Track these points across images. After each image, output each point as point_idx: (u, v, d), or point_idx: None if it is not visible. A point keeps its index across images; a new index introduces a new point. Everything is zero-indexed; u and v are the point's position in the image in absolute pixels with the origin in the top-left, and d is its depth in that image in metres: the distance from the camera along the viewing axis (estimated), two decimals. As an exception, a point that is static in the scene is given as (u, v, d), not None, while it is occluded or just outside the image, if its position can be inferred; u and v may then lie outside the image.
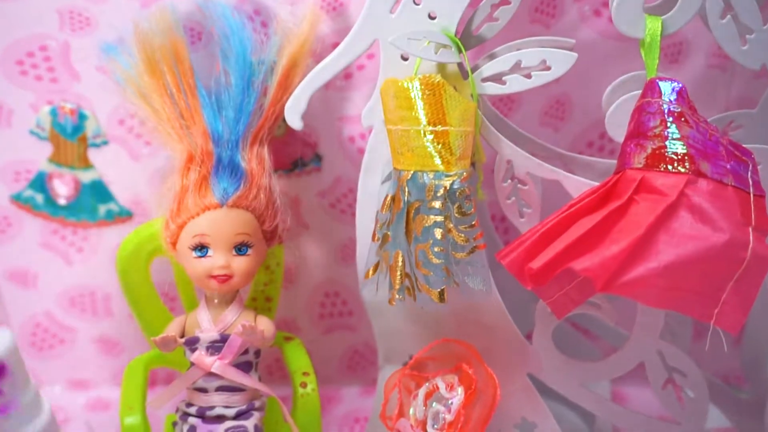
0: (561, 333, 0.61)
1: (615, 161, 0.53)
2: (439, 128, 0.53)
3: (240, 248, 0.59)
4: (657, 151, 0.50)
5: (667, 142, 0.49)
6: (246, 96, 0.61)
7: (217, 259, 0.58)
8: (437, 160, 0.53)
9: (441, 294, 0.55)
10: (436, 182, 0.53)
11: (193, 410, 0.59)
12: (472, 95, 0.56)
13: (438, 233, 0.54)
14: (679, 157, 0.49)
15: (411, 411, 0.58)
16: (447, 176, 0.53)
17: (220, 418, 0.59)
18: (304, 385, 0.62)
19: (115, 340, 0.79)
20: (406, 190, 0.54)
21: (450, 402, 0.56)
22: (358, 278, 0.65)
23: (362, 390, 0.82)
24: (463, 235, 0.54)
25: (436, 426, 0.57)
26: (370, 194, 0.61)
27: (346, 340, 0.80)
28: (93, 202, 0.72)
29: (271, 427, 0.63)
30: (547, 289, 0.54)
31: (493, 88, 0.56)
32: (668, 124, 0.50)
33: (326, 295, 0.77)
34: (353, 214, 0.69)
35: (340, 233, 0.74)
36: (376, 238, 0.57)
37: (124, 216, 0.73)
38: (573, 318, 0.71)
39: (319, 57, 0.61)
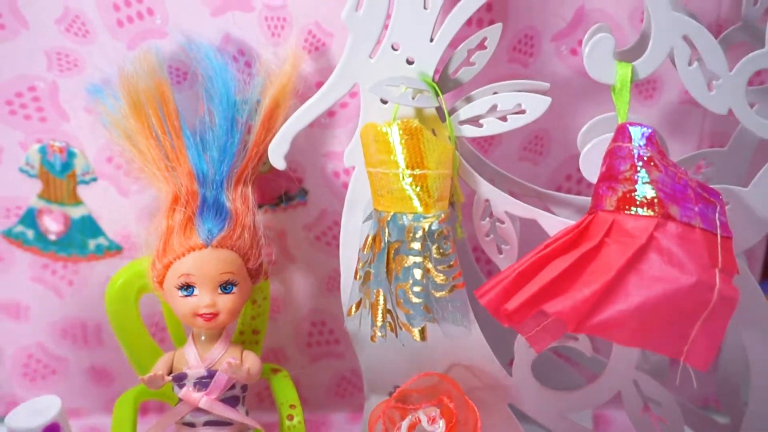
0: (542, 359, 0.63)
1: (590, 198, 0.54)
2: (417, 172, 0.55)
3: (225, 287, 0.60)
4: (627, 195, 0.51)
5: (636, 186, 0.51)
6: (230, 136, 0.63)
7: (203, 298, 0.59)
8: (416, 203, 0.55)
9: (421, 332, 0.56)
10: (415, 224, 0.55)
11: (181, 445, 0.61)
12: (449, 137, 0.57)
13: (417, 273, 0.55)
14: (648, 200, 0.51)
15: (395, 443, 0.60)
16: (425, 218, 0.55)
17: (210, 456, 0.60)
18: (290, 417, 0.64)
19: (107, 370, 0.80)
20: (387, 230, 0.56)
21: (432, 435, 0.58)
22: (342, 310, 0.66)
23: (350, 416, 0.83)
24: (442, 275, 0.56)
25: (418, 459, 0.58)
26: (353, 231, 0.62)
27: (334, 367, 0.81)
28: (83, 237, 0.73)
29: (259, 459, 0.64)
30: (525, 324, 0.56)
31: (470, 131, 0.57)
32: (638, 169, 0.51)
33: (313, 324, 0.79)
34: (338, 246, 0.70)
35: (326, 264, 0.75)
36: (358, 276, 0.59)
37: (113, 250, 0.74)
38: (553, 347, 0.73)
39: (302, 96, 0.62)
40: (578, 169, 0.71)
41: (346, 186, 0.68)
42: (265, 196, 0.72)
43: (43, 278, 0.76)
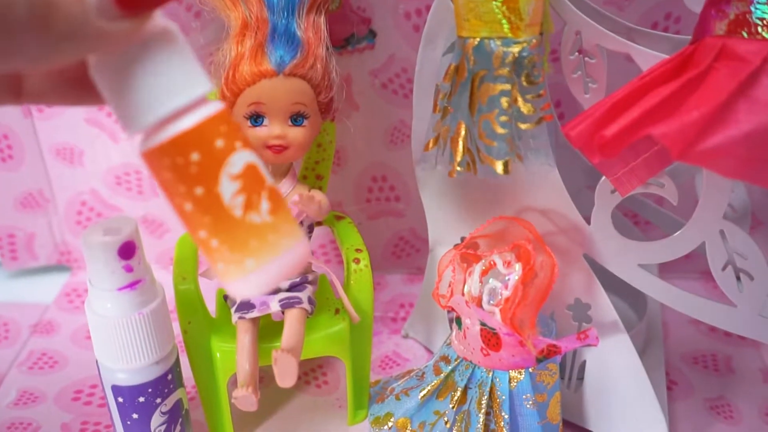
0: (613, 221, 0.60)
1: (687, 37, 0.50)
2: (508, -8, 0.51)
3: (296, 118, 0.57)
4: (740, 17, 0.47)
5: (752, 7, 0.47)
6: (302, -38, 0.59)
7: (273, 129, 0.57)
8: (506, 26, 0.51)
9: (505, 165, 0.53)
10: (504, 49, 0.51)
11: (246, 282, 0.59)
12: (542, -40, 0.53)
13: (504, 102, 0.52)
14: (765, 22, 0.47)
15: (466, 288, 0.58)
16: (516, 43, 0.51)
17: (274, 290, 0.59)
18: (357, 261, 0.62)
19: (160, 221, 0.79)
20: (472, 58, 0.53)
21: (507, 278, 0.56)
22: (407, 163, 0.63)
23: (407, 277, 0.82)
24: (530, 104, 0.52)
25: (492, 302, 0.56)
26: (430, 67, 0.59)
27: (392, 225, 0.79)
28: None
29: (321, 303, 0.63)
30: (611, 165, 0.53)
31: (565, -46, 0.53)
32: (754, -12, 0.47)
33: (374, 180, 0.76)
34: (405, 95, 0.67)
35: (390, 115, 0.72)
36: (438, 109, 0.56)
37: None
38: (626, 205, 0.70)
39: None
40: (665, 17, 0.68)
41: (417, 29, 0.64)
42: (332, 38, 0.68)
43: (99, 121, 0.73)
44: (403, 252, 0.81)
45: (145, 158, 0.32)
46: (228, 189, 0.31)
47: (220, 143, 0.31)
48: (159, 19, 0.31)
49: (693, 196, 0.58)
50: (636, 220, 0.74)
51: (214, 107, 0.31)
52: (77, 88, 0.35)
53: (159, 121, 0.30)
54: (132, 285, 0.50)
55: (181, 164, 0.31)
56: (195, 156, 0.31)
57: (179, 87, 0.31)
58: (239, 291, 0.32)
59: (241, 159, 0.32)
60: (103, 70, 0.31)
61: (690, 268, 0.71)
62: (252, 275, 0.32)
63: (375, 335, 0.73)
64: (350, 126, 0.71)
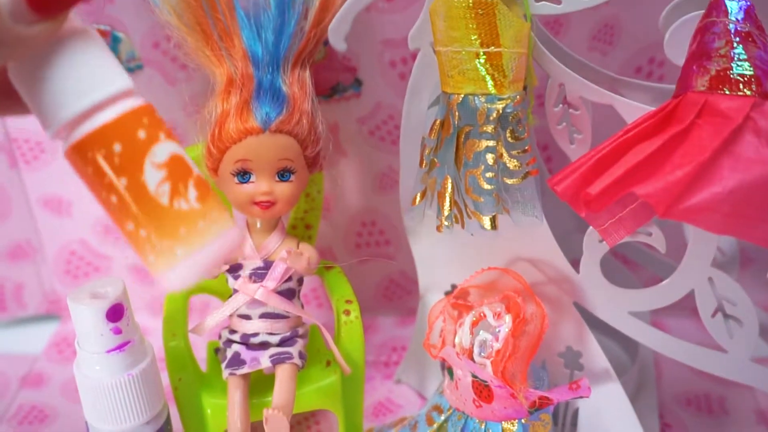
0: (602, 263, 0.60)
1: (669, 86, 0.51)
2: (492, 49, 0.51)
3: (283, 174, 0.57)
4: (722, 73, 0.47)
5: (732, 64, 0.47)
6: (286, 17, 0.59)
7: (260, 185, 0.57)
8: (489, 83, 0.52)
9: (492, 220, 0.54)
10: (489, 106, 0.52)
11: (236, 337, 0.59)
12: (525, 15, 0.54)
13: (490, 158, 0.52)
14: (746, 79, 0.47)
15: (457, 339, 0.58)
16: (500, 99, 0.52)
17: (264, 345, 0.59)
18: (347, 312, 0.62)
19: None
20: (457, 114, 0.53)
21: (497, 330, 0.56)
22: (396, 207, 0.64)
23: (399, 320, 0.82)
24: (515, 160, 0.53)
25: (483, 354, 0.56)
26: (416, 118, 0.59)
27: (383, 269, 0.79)
28: (128, 128, 0.71)
29: (312, 354, 0.62)
30: (598, 216, 0.53)
31: (547, 8, 0.53)
32: (734, 45, 0.47)
33: (363, 225, 0.76)
34: (393, 142, 0.68)
35: (378, 161, 0.72)
36: (424, 163, 0.56)
37: (159, 142, 0.71)
38: (618, 247, 0.70)
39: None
40: (649, 61, 0.68)
41: (403, 77, 0.65)
42: (318, 87, 0.69)
43: (87, 172, 0.73)
44: (394, 294, 0.80)
45: (68, 157, 0.32)
46: (153, 178, 0.31)
47: (142, 134, 0.32)
48: (74, 20, 0.31)
49: (682, 237, 0.58)
50: (626, 260, 0.74)
51: (136, 102, 0.32)
52: (1, 97, 0.35)
53: (77, 116, 0.31)
54: (121, 347, 0.50)
55: (104, 156, 0.31)
56: (117, 147, 0.31)
57: (97, 83, 0.31)
58: (171, 282, 0.32)
59: (165, 149, 0.32)
60: (21, 72, 0.32)
61: (681, 304, 0.70)
62: (182, 264, 0.32)
63: (367, 381, 0.72)
64: (337, 176, 0.72)
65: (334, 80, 0.68)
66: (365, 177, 0.73)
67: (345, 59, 0.67)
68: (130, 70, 0.68)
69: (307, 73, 0.60)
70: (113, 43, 0.67)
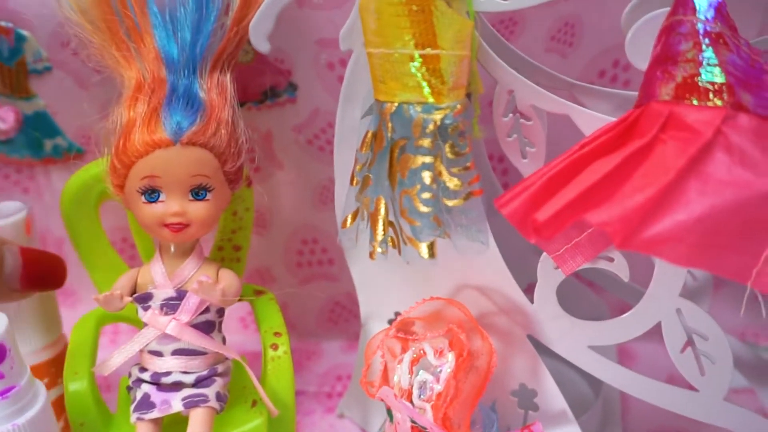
0: (562, 285, 0.54)
1: (634, 92, 0.44)
2: (428, 51, 0.45)
3: (197, 192, 0.51)
4: (689, 80, 0.41)
5: (701, 69, 0.41)
6: (205, 14, 0.53)
7: (171, 205, 0.50)
8: (426, 90, 0.45)
9: (430, 247, 0.47)
10: (425, 116, 0.45)
11: (146, 376, 0.52)
12: (468, 12, 0.47)
13: (427, 177, 0.46)
14: (716, 87, 0.40)
15: (396, 378, 0.51)
16: (437, 109, 0.45)
17: (177, 386, 0.52)
18: (275, 346, 0.55)
19: (71, 290, 0.72)
20: (390, 125, 0.46)
21: (439, 370, 0.49)
22: (337, 224, 0.57)
23: (345, 344, 0.75)
24: (455, 179, 0.46)
25: (422, 396, 0.49)
26: (350, 129, 0.53)
27: (327, 290, 0.72)
28: (38, 137, 0.64)
29: (237, 393, 0.56)
30: (552, 241, 0.47)
31: (492, 5, 0.47)
32: (703, 48, 0.41)
33: (304, 242, 0.70)
34: (333, 152, 0.61)
35: (318, 173, 0.66)
36: (355, 181, 0.49)
37: (73, 152, 0.65)
38: (578, 270, 0.64)
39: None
40: (614, 64, 0.62)
41: (342, 80, 0.58)
42: (249, 92, 0.62)
43: (-5, 184, 0.67)
44: (339, 318, 0.74)
45: None
46: None
47: None
48: None
49: (650, 259, 0.52)
50: (591, 282, 0.68)
51: None
52: None
53: None
54: (3, 393, 0.44)
55: None
56: None
57: None
58: None
59: None
60: None
61: (652, 329, 0.65)
62: None
63: (306, 415, 0.66)
64: (271, 188, 0.65)
65: (266, 84, 0.62)
66: (304, 190, 0.67)
67: (277, 61, 0.61)
68: (37, 72, 0.61)
69: (228, 78, 0.53)
70: (17, 42, 0.60)
